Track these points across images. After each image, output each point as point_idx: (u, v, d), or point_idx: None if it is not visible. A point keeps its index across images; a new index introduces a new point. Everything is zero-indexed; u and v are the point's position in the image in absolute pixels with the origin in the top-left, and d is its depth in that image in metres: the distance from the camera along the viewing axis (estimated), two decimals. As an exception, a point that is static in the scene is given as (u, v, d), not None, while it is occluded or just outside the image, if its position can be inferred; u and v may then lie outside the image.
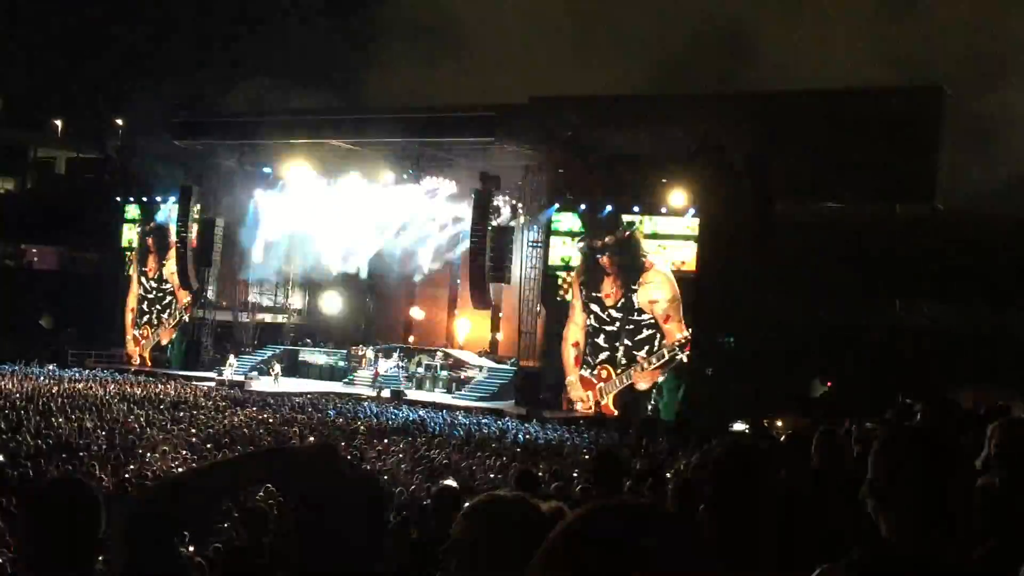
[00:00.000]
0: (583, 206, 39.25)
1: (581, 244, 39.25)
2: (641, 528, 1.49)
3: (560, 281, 40.21)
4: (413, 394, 40.70)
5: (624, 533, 1.48)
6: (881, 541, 2.61)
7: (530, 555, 2.33)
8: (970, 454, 3.80)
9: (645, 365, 37.48)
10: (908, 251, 36.64)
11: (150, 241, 49.83)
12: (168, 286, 48.84)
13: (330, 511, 2.08)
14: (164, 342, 48.76)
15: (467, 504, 2.55)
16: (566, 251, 40.19)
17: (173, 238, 47.32)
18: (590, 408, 38.08)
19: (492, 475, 17.26)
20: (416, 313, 50.94)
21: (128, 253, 50.73)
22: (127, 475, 16.09)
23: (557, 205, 39.83)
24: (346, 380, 44.09)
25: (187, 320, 48.43)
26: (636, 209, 38.21)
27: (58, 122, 66.63)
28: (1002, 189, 36.25)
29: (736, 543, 3.32)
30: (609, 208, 38.60)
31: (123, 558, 2.13)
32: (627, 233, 38.18)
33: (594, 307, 38.91)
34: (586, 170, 39.45)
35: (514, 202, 42.55)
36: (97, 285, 51.27)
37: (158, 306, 49.31)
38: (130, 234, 50.92)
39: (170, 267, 48.52)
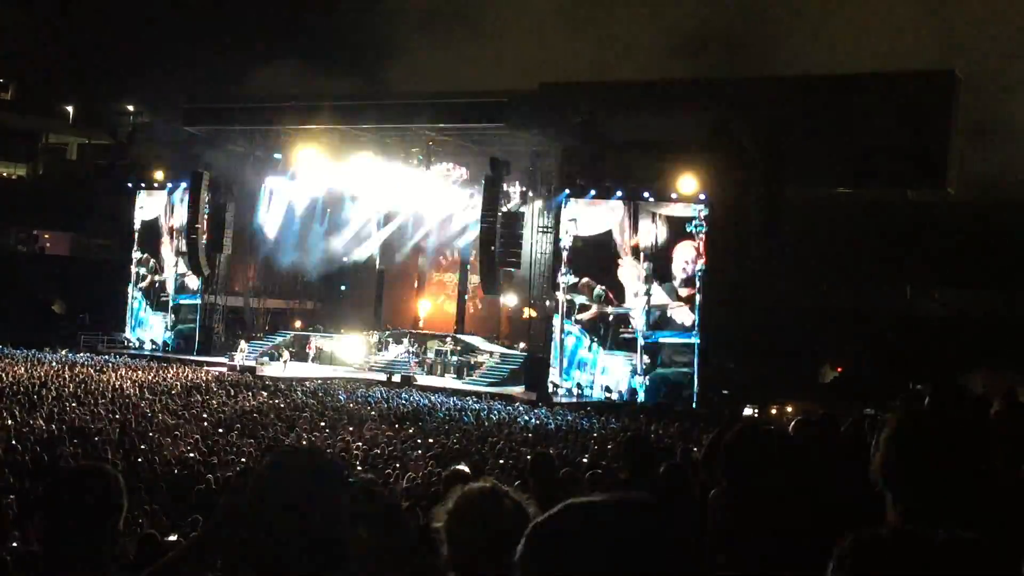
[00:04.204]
0: (593, 192, 39.16)
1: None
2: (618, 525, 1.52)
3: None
4: (423, 379, 40.79)
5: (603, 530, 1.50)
6: (882, 525, 2.60)
7: (503, 542, 2.43)
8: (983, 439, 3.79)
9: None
10: (919, 236, 36.56)
11: (162, 227, 49.82)
12: (173, 277, 48.91)
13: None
14: (167, 335, 48.60)
15: (451, 499, 2.64)
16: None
17: (184, 224, 47.36)
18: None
19: (502, 460, 17.29)
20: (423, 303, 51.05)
21: (135, 244, 50.54)
22: (139, 459, 16.19)
23: (567, 191, 39.77)
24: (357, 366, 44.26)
25: (174, 306, 48.39)
26: (646, 195, 38.12)
27: (69, 108, 66.74)
28: (1014, 174, 36.10)
29: (749, 522, 3.35)
30: (619, 193, 38.52)
31: None
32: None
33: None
34: (596, 156, 39.38)
35: (524, 188, 42.53)
36: (109, 270, 51.41)
37: (163, 296, 49.27)
38: (140, 221, 50.91)
39: (170, 259, 48.54)
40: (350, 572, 2.24)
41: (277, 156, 47.84)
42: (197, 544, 2.40)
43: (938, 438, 2.60)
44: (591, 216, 39.32)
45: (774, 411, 31.75)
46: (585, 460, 16.61)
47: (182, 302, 48.66)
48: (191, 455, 17.03)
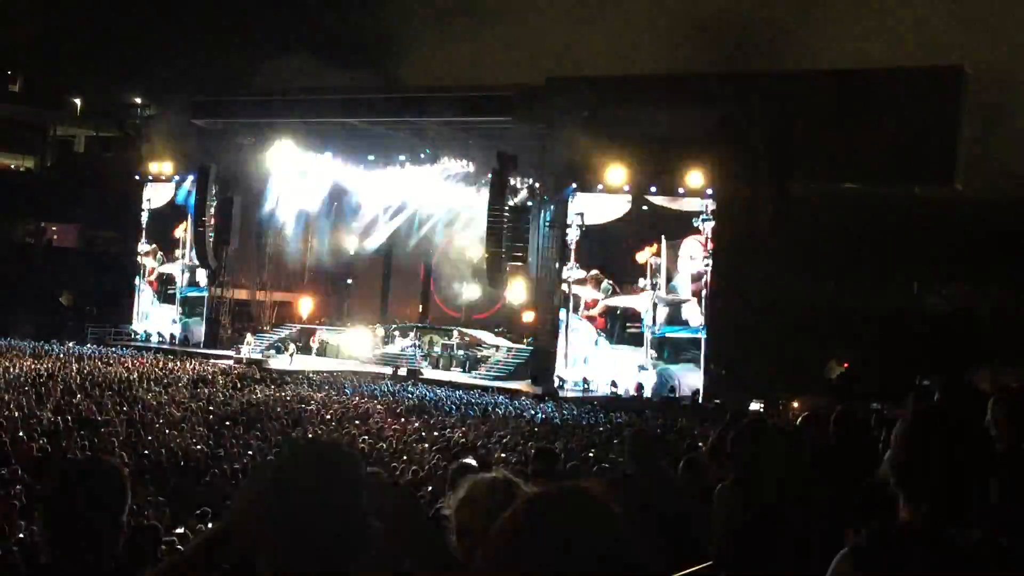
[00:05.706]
0: (600, 186, 39.10)
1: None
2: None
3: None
4: (429, 373, 40.79)
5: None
6: (896, 521, 2.60)
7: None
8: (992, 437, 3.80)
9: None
10: (927, 232, 36.47)
11: (174, 223, 49.78)
12: (179, 269, 48.81)
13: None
14: (175, 326, 48.56)
15: (462, 488, 2.65)
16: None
17: (191, 217, 47.38)
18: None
19: (506, 454, 17.30)
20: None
21: (143, 236, 50.46)
22: (146, 452, 16.23)
23: (574, 185, 39.70)
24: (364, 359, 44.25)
25: (181, 299, 48.36)
26: (653, 189, 38.06)
27: (77, 101, 66.79)
28: (1022, 170, 35.99)
29: (755, 515, 3.35)
30: (626, 188, 38.43)
31: None
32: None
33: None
34: (603, 150, 39.29)
35: (531, 182, 42.49)
36: (116, 263, 51.49)
37: (170, 289, 49.20)
38: (147, 213, 50.90)
39: (178, 252, 48.53)
40: (367, 564, 2.25)
41: (285, 150, 47.84)
42: (212, 538, 2.40)
43: (952, 437, 2.59)
44: (598, 210, 39.30)
45: (780, 406, 31.73)
46: (591, 455, 16.59)
47: (189, 295, 48.69)
48: (197, 447, 17.08)
